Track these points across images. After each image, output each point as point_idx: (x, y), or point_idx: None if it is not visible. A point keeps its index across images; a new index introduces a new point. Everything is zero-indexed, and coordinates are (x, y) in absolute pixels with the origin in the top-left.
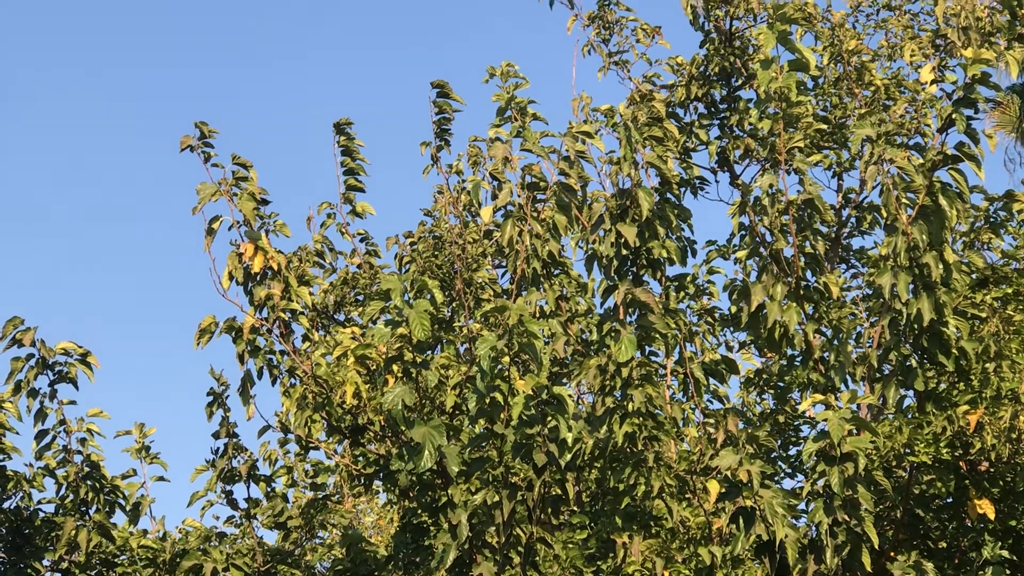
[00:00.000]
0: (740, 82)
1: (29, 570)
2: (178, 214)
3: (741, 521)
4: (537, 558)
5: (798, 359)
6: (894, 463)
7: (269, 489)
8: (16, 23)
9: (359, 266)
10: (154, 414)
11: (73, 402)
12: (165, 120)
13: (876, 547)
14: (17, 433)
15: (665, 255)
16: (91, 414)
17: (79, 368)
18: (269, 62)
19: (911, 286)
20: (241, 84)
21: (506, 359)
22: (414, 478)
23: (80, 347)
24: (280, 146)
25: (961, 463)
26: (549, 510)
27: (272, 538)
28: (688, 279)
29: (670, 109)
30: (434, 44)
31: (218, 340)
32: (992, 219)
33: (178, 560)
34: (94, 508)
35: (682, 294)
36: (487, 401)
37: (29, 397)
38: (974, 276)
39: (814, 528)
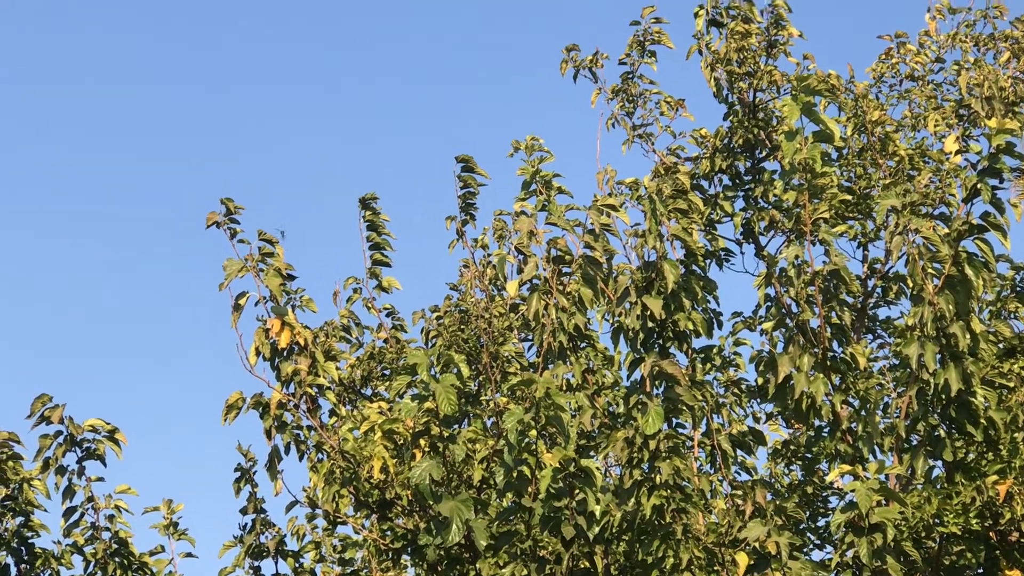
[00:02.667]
0: (764, 153)
1: None
2: (204, 289)
3: None
4: None
5: (825, 430)
6: (923, 534)
7: (297, 565)
8: (57, 113)
9: (385, 341)
10: (181, 490)
11: (101, 479)
12: (187, 193)
13: None
14: (45, 510)
15: (691, 327)
16: (119, 491)
17: (107, 445)
18: (292, 137)
19: (938, 356)
20: (264, 159)
21: (533, 432)
22: (442, 552)
23: (108, 424)
24: (304, 221)
25: (991, 533)
26: None
27: None
28: (715, 351)
29: (695, 181)
30: (457, 118)
31: (245, 416)
32: (1019, 288)
33: None
34: None
35: (709, 366)
36: (515, 475)
37: (57, 474)
38: (1001, 345)
39: None
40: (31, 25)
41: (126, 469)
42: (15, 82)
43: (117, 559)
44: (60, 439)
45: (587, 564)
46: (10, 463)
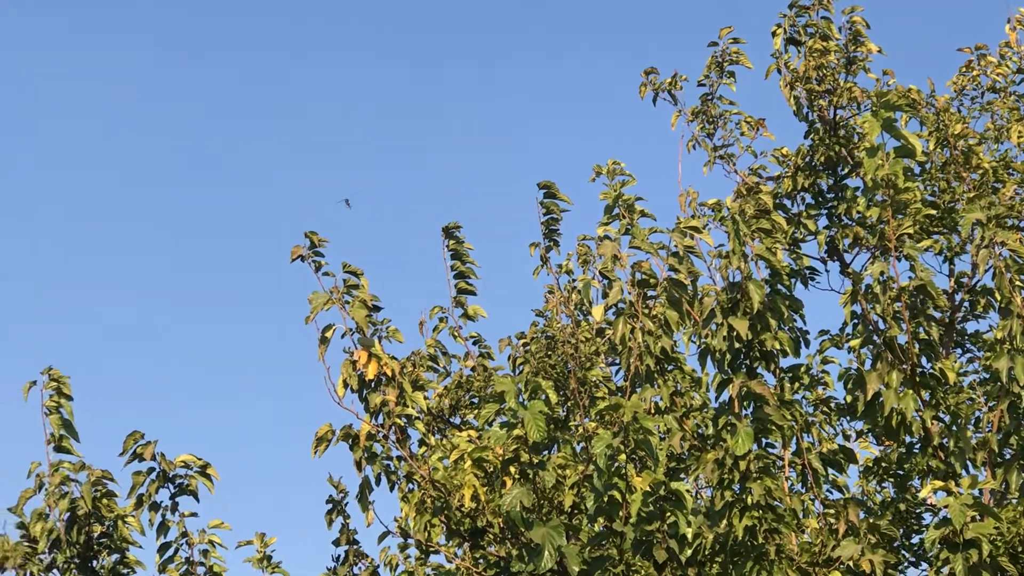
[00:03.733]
0: (847, 171)
1: None
2: (290, 323)
3: None
4: None
5: (917, 446)
6: (1020, 548)
7: None
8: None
9: (473, 369)
10: (274, 523)
11: (194, 514)
12: (269, 226)
13: None
14: (140, 547)
15: (778, 347)
16: (212, 525)
17: (199, 480)
18: (373, 168)
19: None
20: (345, 190)
21: (623, 456)
22: None
23: (199, 459)
24: (388, 251)
25: None
26: None
27: None
28: (802, 370)
29: (777, 200)
30: (537, 144)
31: (335, 448)
32: None
33: None
34: None
35: (797, 385)
36: (605, 499)
37: (151, 511)
38: None
39: None
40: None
41: (219, 504)
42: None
43: None
44: (153, 475)
45: None
46: (104, 500)
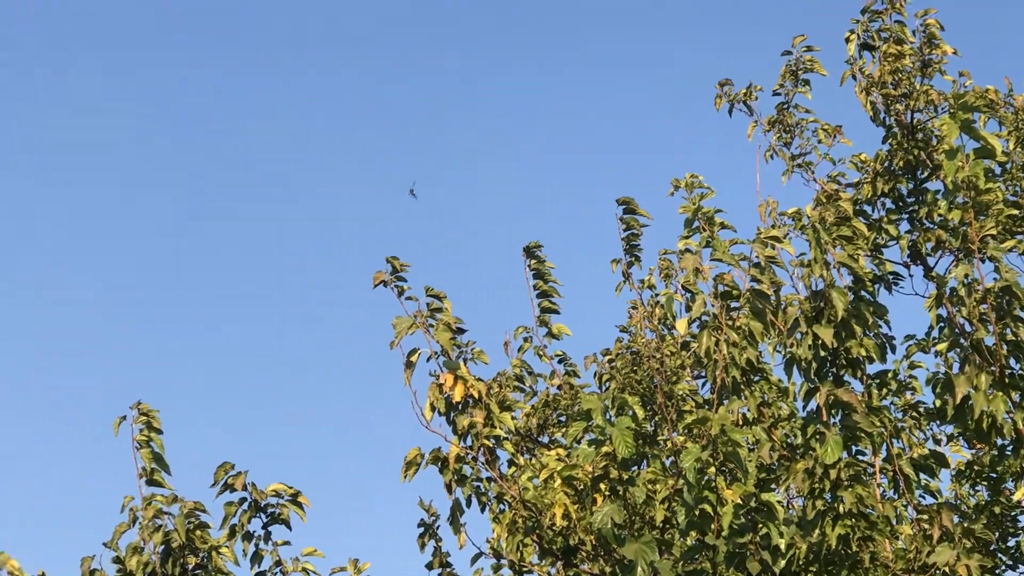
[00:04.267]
0: (926, 174)
1: None
2: (375, 348)
3: None
4: None
5: (1009, 448)
6: None
7: None
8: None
9: (559, 387)
10: (367, 549)
11: (287, 543)
12: (349, 251)
13: None
14: None
15: (864, 353)
16: (306, 553)
17: (291, 508)
18: (452, 191)
19: None
20: (424, 213)
21: (712, 470)
22: None
23: (290, 488)
24: (470, 273)
25: None
26: None
27: None
28: (889, 376)
29: (857, 207)
30: (614, 160)
31: (425, 471)
32: None
33: None
34: None
35: (885, 391)
36: (696, 513)
37: (244, 540)
38: None
39: None
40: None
41: (311, 532)
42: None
43: None
44: (245, 506)
45: None
46: (198, 532)
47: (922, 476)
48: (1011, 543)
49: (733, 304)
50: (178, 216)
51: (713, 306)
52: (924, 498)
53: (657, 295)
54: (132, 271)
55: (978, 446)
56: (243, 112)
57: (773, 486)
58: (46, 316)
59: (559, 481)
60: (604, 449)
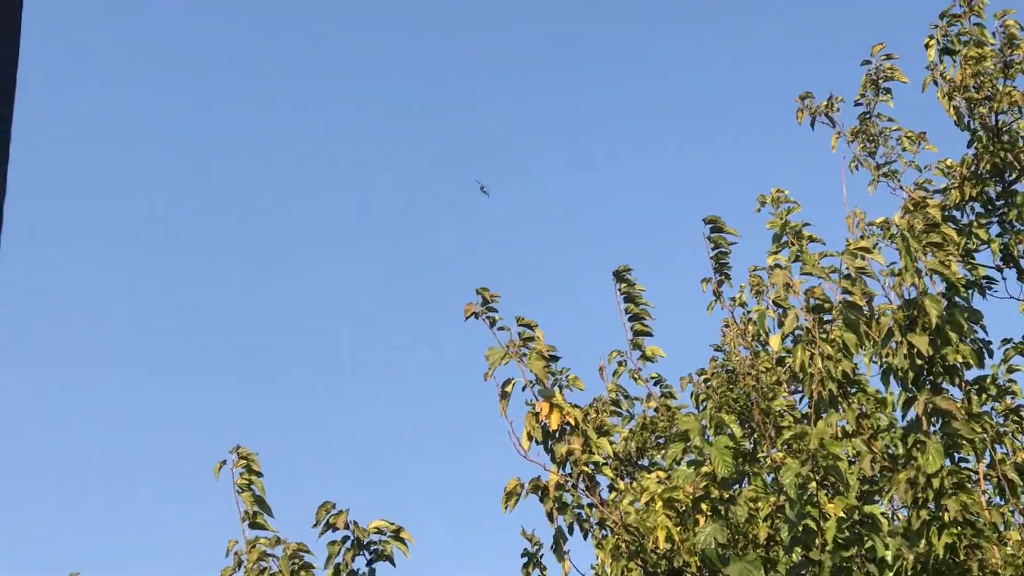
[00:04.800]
0: (1014, 176)
1: None
2: (468, 380)
3: None
4: None
5: None
6: None
7: None
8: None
9: (656, 410)
10: None
11: None
12: (437, 283)
13: None
14: None
15: (961, 360)
16: None
17: (394, 545)
18: (541, 218)
19: None
20: (512, 240)
21: (813, 484)
22: None
23: (392, 524)
24: (561, 299)
25: None
26: None
27: None
28: (988, 380)
29: (946, 213)
30: (697, 179)
31: (525, 501)
32: None
33: None
34: None
35: (984, 396)
36: (800, 529)
37: None
38: None
39: None
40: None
41: (414, 567)
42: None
43: None
44: (348, 544)
45: None
46: (303, 573)
47: None
48: None
49: (826, 317)
50: (263, 264)
51: (806, 320)
52: None
53: (749, 312)
54: (228, 316)
55: None
56: (315, 153)
57: (876, 498)
58: (142, 360)
59: (660, 504)
60: (704, 469)
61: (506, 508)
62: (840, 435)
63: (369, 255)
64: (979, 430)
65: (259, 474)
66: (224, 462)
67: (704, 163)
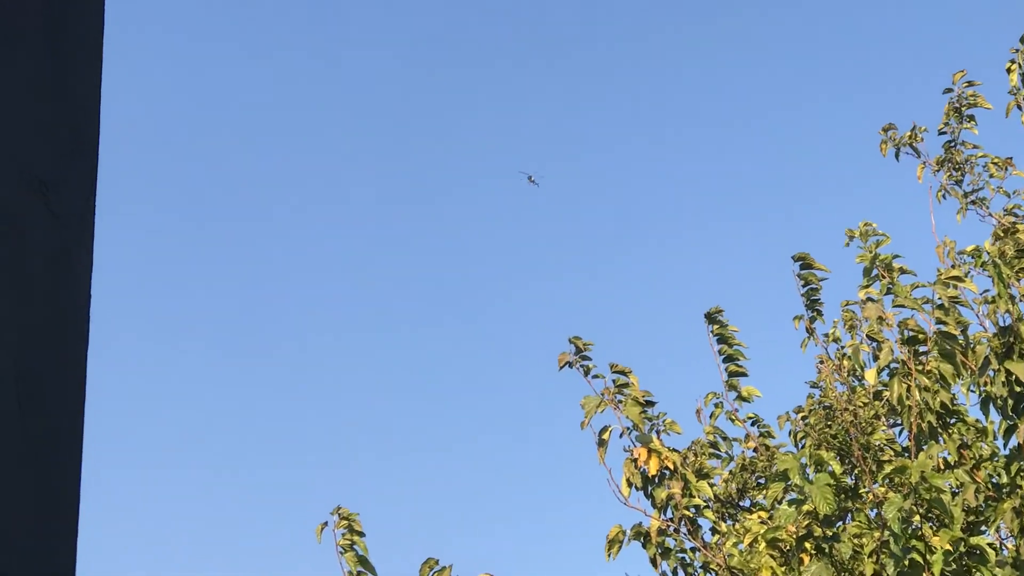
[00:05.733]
0: None
1: None
2: (564, 430)
3: None
4: None
5: None
6: None
7: None
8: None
9: (755, 450)
10: None
11: None
12: (529, 334)
13: None
14: None
15: None
16: None
17: None
18: (625, 258)
19: None
20: (599, 288)
21: (917, 518)
22: None
23: None
24: (652, 343)
25: None
26: None
27: None
28: None
29: None
30: (782, 217)
31: (628, 548)
32: None
33: None
34: None
35: None
36: (906, 563)
37: None
38: None
39: None
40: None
41: None
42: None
43: None
44: None
45: None
46: None
47: None
48: None
49: (921, 348)
50: (351, 323)
51: (901, 352)
52: None
53: (843, 347)
54: (324, 380)
55: None
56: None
57: (982, 528)
58: (236, 421)
59: (764, 544)
60: (805, 508)
61: (609, 556)
62: (942, 467)
63: (459, 306)
64: None
65: (361, 534)
66: (325, 523)
67: (789, 200)
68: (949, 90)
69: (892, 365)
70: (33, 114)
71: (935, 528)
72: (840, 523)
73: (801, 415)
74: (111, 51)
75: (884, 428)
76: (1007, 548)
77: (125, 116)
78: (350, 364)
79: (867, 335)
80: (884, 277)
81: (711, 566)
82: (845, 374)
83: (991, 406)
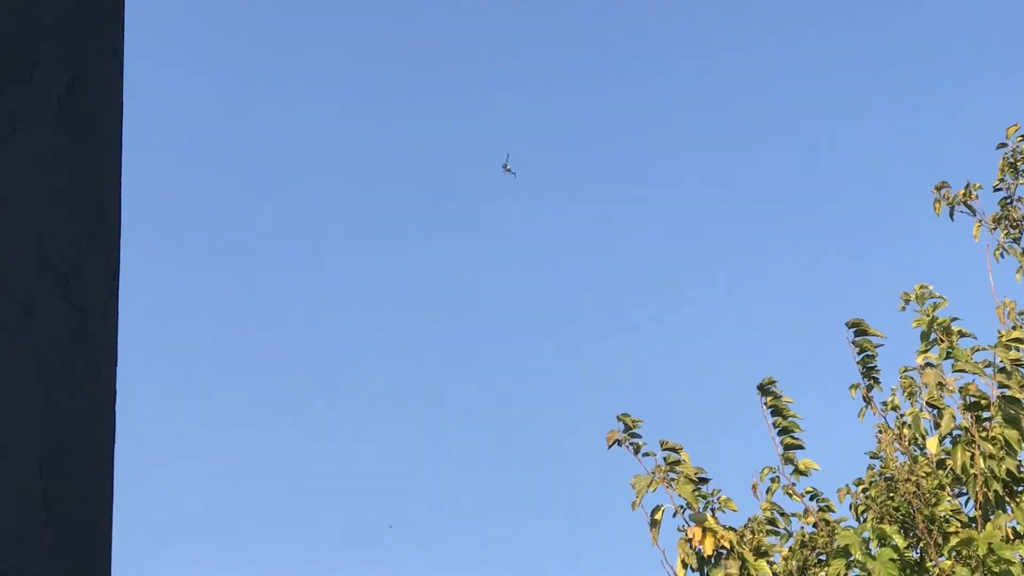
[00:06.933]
0: None
1: None
2: (616, 508)
3: None
4: None
5: None
6: None
7: None
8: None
9: (814, 525)
10: None
11: None
12: (573, 402)
13: None
14: None
15: None
16: None
17: None
18: (673, 332)
19: None
20: (647, 362)
21: None
22: None
23: None
24: (707, 417)
25: None
26: None
27: None
28: None
29: None
30: (834, 280)
31: None
32: None
33: None
34: None
35: None
36: None
37: None
38: None
39: None
40: None
41: None
42: None
43: None
44: None
45: None
46: None
47: None
48: None
49: (984, 414)
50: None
51: (963, 419)
52: None
53: (903, 415)
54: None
55: None
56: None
57: None
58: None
59: None
60: None
61: None
62: (1010, 537)
63: (501, 381)
64: None
65: None
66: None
67: (841, 265)
68: (1003, 145)
69: (954, 432)
70: (51, 202)
71: None
72: None
73: (861, 487)
74: (130, 133)
75: (949, 498)
76: None
77: (148, 179)
78: (393, 454)
79: (927, 402)
80: (943, 341)
81: None
82: (906, 443)
83: None
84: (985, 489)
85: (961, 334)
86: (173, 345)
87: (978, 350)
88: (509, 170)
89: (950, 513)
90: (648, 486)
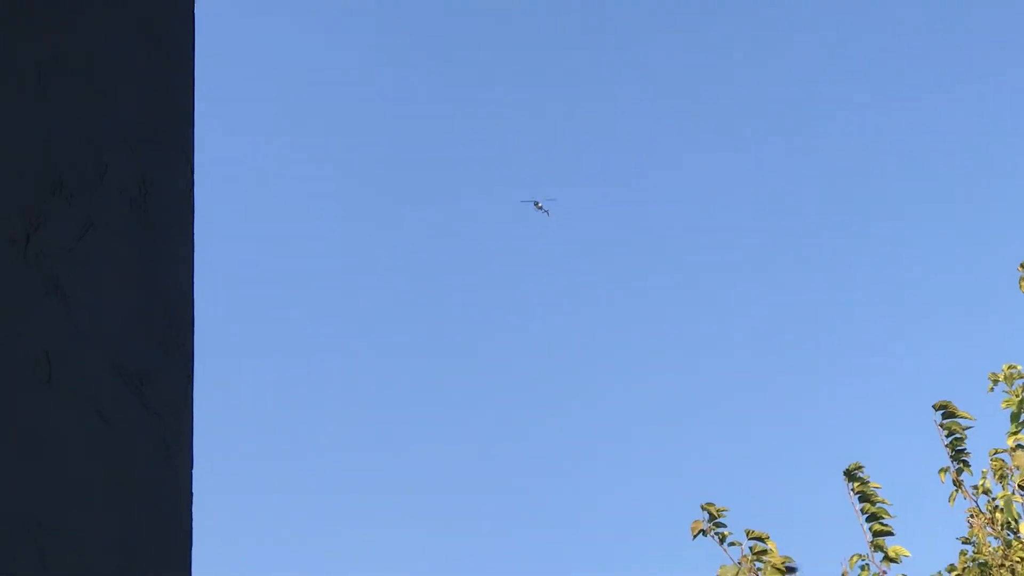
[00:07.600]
0: None
1: None
2: None
3: None
4: None
5: None
6: None
7: None
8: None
9: None
10: None
11: None
12: (662, 491)
13: None
14: None
15: None
16: None
17: None
18: (752, 417)
19: None
20: (727, 449)
21: None
22: None
23: None
24: (794, 506)
25: None
26: None
27: None
28: None
29: None
30: (919, 362)
31: None
32: None
33: None
34: None
35: None
36: None
37: None
38: None
39: None
40: None
41: None
42: None
43: None
44: None
45: None
46: None
47: None
48: None
49: None
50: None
51: None
52: None
53: (994, 499)
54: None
55: None
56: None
57: None
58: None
59: None
60: None
61: None
62: None
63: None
64: None
65: None
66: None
67: (925, 346)
68: None
69: None
70: (125, 306)
71: None
72: None
73: (955, 574)
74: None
75: None
76: None
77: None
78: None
79: (1019, 485)
80: None
81: None
82: (998, 527)
83: None
84: None
85: None
86: None
87: None
88: (540, 207)
89: None
90: None
